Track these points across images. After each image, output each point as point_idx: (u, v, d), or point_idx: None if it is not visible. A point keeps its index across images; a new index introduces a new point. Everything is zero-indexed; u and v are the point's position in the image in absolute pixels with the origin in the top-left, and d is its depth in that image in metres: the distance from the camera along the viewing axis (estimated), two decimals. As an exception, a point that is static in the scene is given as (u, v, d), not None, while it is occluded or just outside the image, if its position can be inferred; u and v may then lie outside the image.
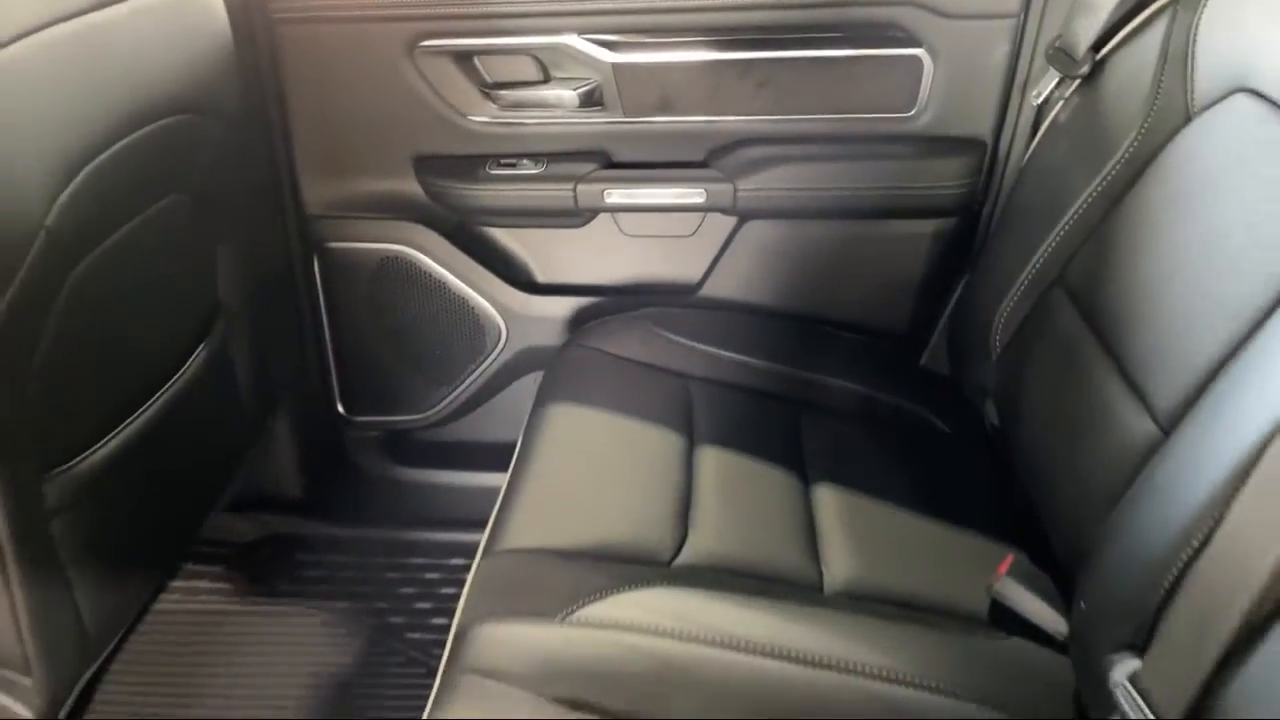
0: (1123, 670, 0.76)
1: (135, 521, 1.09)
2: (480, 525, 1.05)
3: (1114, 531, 0.85)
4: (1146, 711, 0.73)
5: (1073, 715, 0.83)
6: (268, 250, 1.41)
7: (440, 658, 0.88)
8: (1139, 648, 0.77)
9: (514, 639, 0.84)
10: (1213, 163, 0.96)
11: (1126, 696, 0.74)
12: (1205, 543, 0.72)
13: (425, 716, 0.80)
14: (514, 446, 1.18)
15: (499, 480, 1.15)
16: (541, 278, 1.53)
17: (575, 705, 0.80)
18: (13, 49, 0.81)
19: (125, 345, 1.04)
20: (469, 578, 0.96)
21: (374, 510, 1.63)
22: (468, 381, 1.57)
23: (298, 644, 1.45)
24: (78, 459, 0.96)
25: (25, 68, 0.82)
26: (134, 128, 0.97)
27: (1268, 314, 0.80)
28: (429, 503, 1.63)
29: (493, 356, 1.55)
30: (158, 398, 1.09)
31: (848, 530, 1.07)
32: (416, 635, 1.46)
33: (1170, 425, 0.86)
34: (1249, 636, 0.67)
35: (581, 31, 1.34)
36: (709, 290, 1.49)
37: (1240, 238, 0.87)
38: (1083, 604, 0.87)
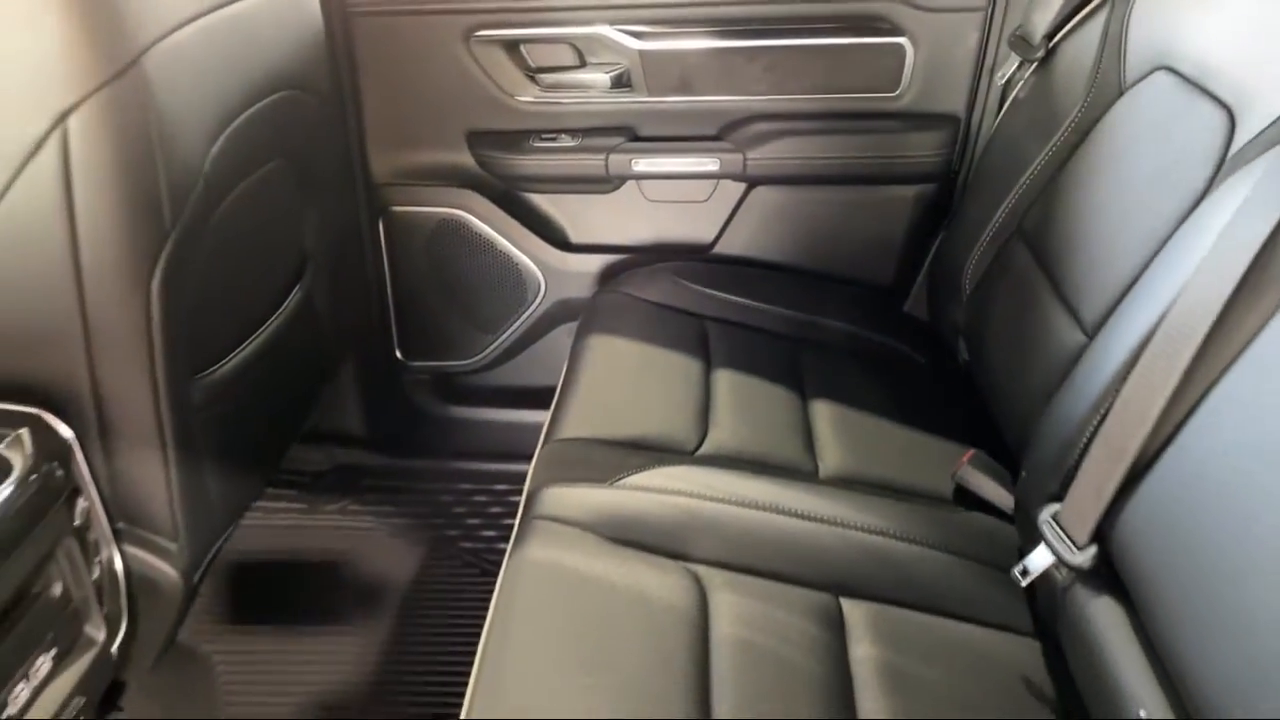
0: (1048, 512, 0.99)
1: (252, 425, 1.32)
2: (520, 457, 1.27)
3: (1047, 416, 1.08)
4: (1063, 537, 0.95)
5: (1015, 560, 1.06)
6: (342, 212, 1.64)
7: (494, 562, 1.10)
8: (1060, 497, 0.99)
9: (573, 497, 1.07)
10: (1137, 128, 1.19)
11: (1050, 529, 0.97)
12: (1107, 412, 0.95)
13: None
14: (551, 389, 1.39)
15: (537, 417, 1.37)
16: (575, 238, 1.75)
17: (622, 543, 1.02)
18: (178, 35, 1.04)
19: (247, 277, 1.26)
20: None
21: (428, 444, 1.86)
22: (511, 330, 1.80)
23: (366, 554, 1.68)
24: (215, 366, 1.19)
25: (187, 50, 1.05)
26: (256, 99, 1.19)
27: (1163, 243, 1.03)
28: (476, 437, 1.85)
29: (533, 307, 1.77)
30: (269, 325, 1.31)
31: (838, 432, 1.30)
32: (469, 545, 1.69)
33: (1093, 333, 1.09)
34: (1135, 476, 0.90)
35: (613, 23, 1.56)
36: (721, 248, 1.72)
37: (1151, 183, 1.09)
38: (1023, 473, 1.10)
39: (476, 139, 1.66)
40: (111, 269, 0.97)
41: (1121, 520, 0.92)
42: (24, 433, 0.94)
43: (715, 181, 1.68)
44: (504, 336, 1.81)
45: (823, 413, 1.34)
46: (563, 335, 1.79)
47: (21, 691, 0.92)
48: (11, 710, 0.90)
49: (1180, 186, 1.04)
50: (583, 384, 1.31)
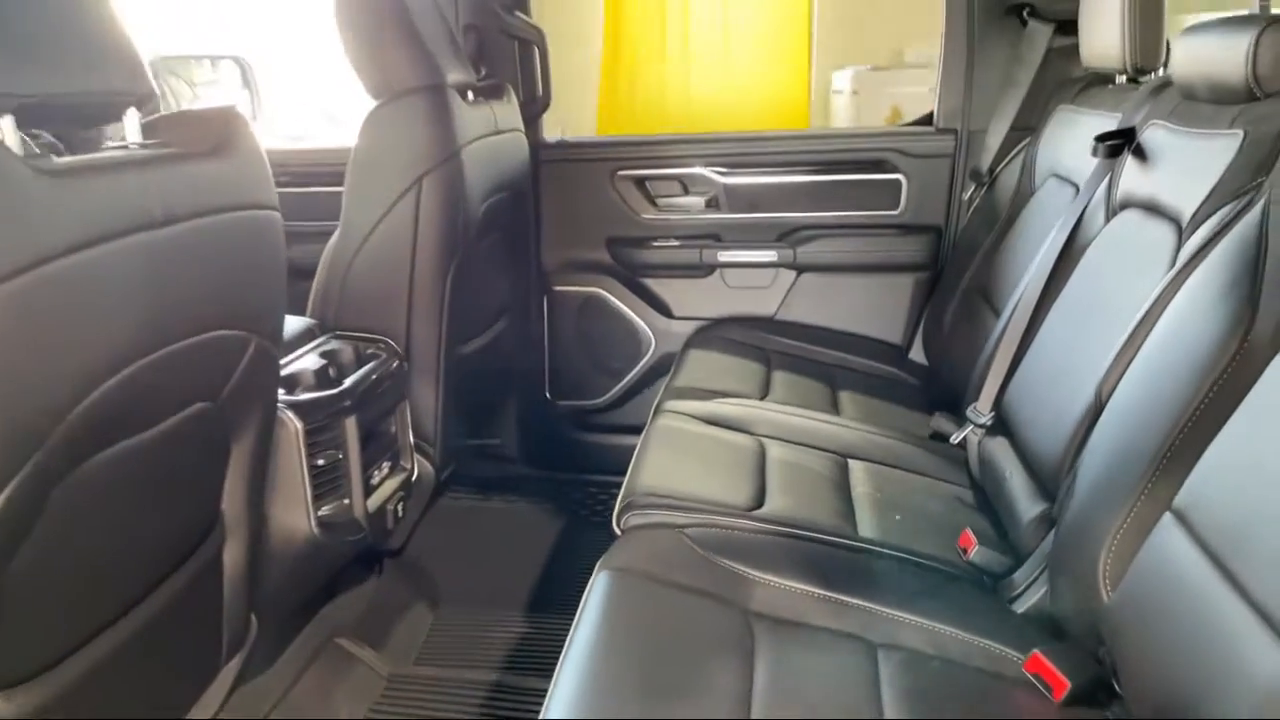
0: (969, 406, 1.65)
1: (476, 392, 2.03)
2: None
3: (975, 368, 1.76)
4: (978, 413, 1.61)
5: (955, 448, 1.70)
6: (522, 287, 2.43)
7: (615, 530, 1.59)
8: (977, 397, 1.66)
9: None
10: (1043, 215, 1.89)
11: (970, 412, 1.64)
12: (997, 347, 1.64)
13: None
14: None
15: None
16: (677, 311, 2.51)
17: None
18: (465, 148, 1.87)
19: (481, 299, 2.03)
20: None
21: (568, 461, 2.55)
22: (629, 377, 2.53)
23: (519, 541, 2.32)
24: (467, 343, 1.93)
25: (468, 157, 1.88)
26: (497, 192, 2.01)
27: (1051, 265, 1.73)
28: (602, 458, 2.53)
29: (645, 360, 2.52)
30: (491, 330, 2.07)
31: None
32: (595, 519, 2.35)
33: (1002, 314, 1.78)
34: (1013, 370, 1.58)
35: (706, 166, 2.40)
36: (779, 317, 2.46)
37: (1051, 240, 1.80)
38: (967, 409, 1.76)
39: (613, 241, 2.48)
40: (427, 269, 1.75)
41: (1007, 394, 1.59)
42: (390, 343, 1.70)
43: (774, 270, 2.45)
44: (624, 382, 2.54)
45: (848, 407, 2.01)
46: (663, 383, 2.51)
47: (375, 475, 1.62)
48: (374, 481, 1.60)
49: (1057, 244, 1.71)
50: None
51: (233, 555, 1.28)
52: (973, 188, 2.27)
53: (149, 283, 0.95)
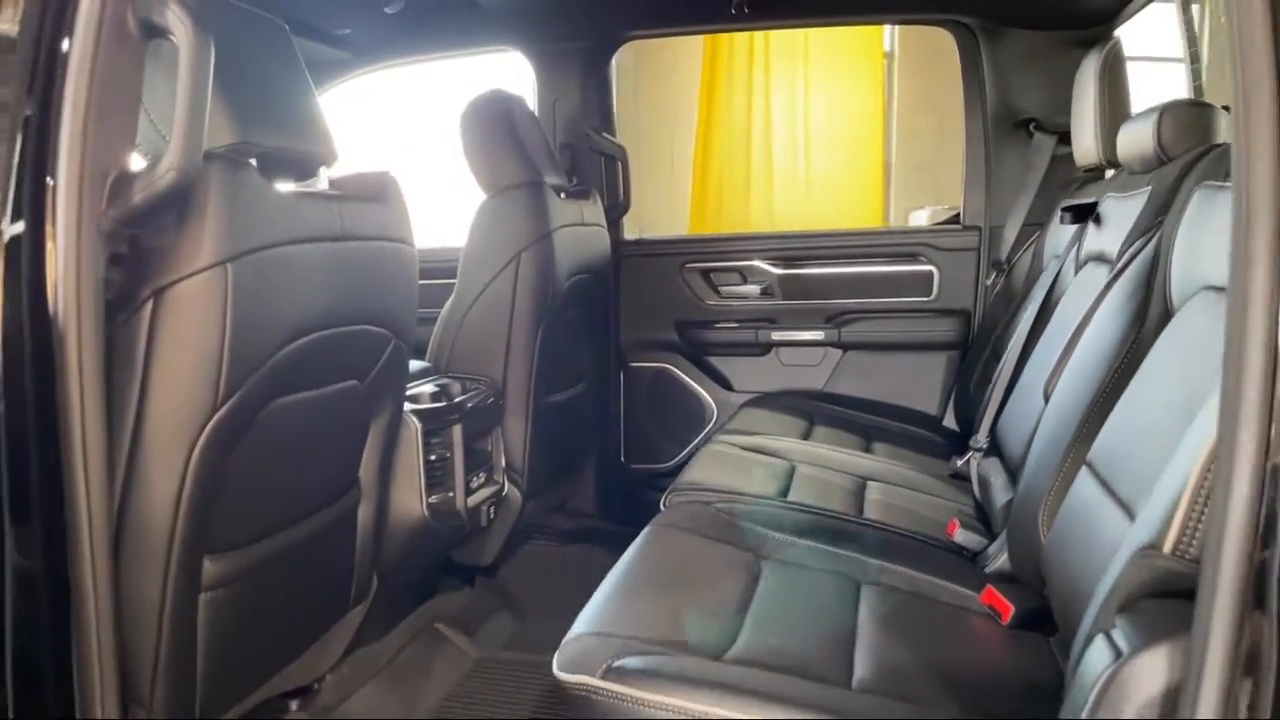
0: (972, 438, 1.95)
1: (558, 445, 2.40)
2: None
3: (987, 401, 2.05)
4: (978, 442, 1.91)
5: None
6: (603, 363, 2.83)
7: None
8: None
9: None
10: (1042, 287, 2.23)
11: (971, 443, 1.93)
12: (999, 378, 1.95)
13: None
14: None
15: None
16: (737, 386, 2.86)
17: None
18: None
19: (566, 364, 2.43)
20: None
21: (640, 518, 2.86)
22: (694, 443, 2.87)
23: (596, 570, 2.64)
24: (551, 396, 2.32)
25: (560, 239, 2.32)
26: (581, 271, 2.43)
27: (1039, 322, 2.05)
28: (667, 514, 2.85)
29: (708, 429, 2.85)
30: (574, 388, 2.46)
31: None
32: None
33: (1005, 361, 2.08)
34: (1004, 404, 1.88)
35: (762, 259, 2.80)
36: (826, 390, 2.79)
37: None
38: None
39: (681, 324, 2.87)
40: (521, 327, 2.17)
41: (1000, 422, 1.88)
42: (489, 380, 2.10)
43: (823, 349, 2.80)
44: (689, 447, 2.87)
45: (879, 451, 2.31)
46: (727, 450, 2.84)
47: (474, 481, 1.99)
48: (473, 485, 1.97)
49: (1038, 298, 2.05)
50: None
51: (364, 516, 1.65)
52: (994, 275, 2.60)
53: (327, 278, 1.37)
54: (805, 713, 1.02)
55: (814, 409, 2.60)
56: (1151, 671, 0.84)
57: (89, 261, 1.04)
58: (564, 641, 1.18)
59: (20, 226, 1.03)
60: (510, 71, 2.93)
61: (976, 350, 2.55)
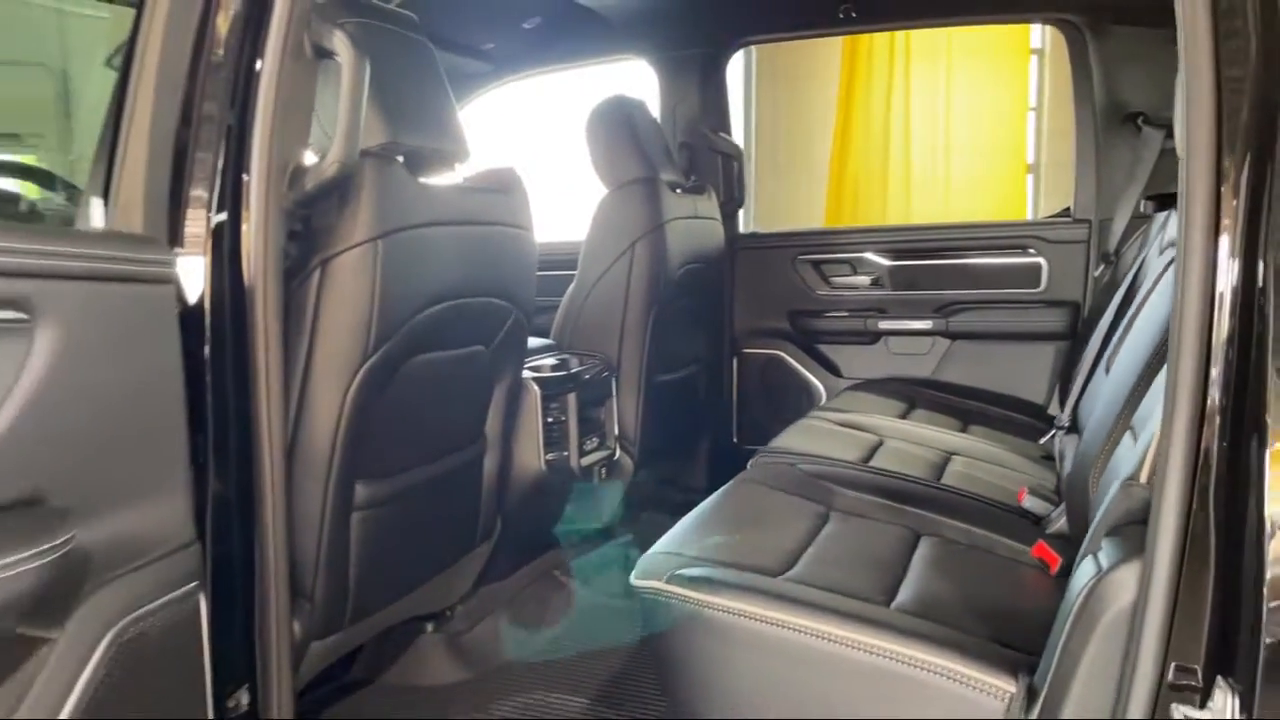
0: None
1: (673, 422, 2.62)
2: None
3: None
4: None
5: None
6: (718, 349, 3.02)
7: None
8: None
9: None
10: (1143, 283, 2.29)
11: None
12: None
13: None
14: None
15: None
16: (845, 373, 2.99)
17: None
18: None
19: (680, 343, 2.63)
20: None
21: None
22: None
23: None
24: (667, 374, 2.53)
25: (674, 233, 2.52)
26: (692, 261, 2.64)
27: (1131, 320, 2.11)
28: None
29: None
30: (688, 368, 2.66)
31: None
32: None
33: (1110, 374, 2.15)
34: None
35: (873, 251, 2.92)
36: (933, 378, 2.88)
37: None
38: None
39: (793, 313, 3.02)
40: (635, 310, 2.39)
41: (1081, 402, 1.96)
42: (604, 357, 2.34)
43: (931, 339, 2.89)
44: (799, 430, 3.03)
45: (975, 432, 2.42)
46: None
47: (587, 444, 2.22)
48: (586, 448, 2.20)
49: (1127, 284, 2.12)
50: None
51: (489, 466, 1.91)
52: (1102, 266, 2.64)
53: (458, 256, 1.62)
54: (841, 621, 1.19)
55: (917, 394, 2.71)
56: (1124, 584, 0.98)
57: (273, 237, 1.31)
58: (640, 559, 1.39)
59: (224, 215, 1.32)
60: (635, 79, 3.17)
61: (1083, 340, 2.60)
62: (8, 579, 0.78)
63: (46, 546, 0.82)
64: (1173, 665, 0.92)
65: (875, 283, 2.95)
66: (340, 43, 1.32)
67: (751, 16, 2.86)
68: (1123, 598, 0.98)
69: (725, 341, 3.09)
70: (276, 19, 1.25)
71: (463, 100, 3.12)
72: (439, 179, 1.65)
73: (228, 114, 1.27)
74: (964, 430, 2.43)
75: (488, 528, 1.95)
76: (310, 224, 1.41)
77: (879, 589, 1.34)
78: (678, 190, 2.62)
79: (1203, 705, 0.89)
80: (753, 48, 5.08)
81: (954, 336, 2.86)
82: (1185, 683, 0.90)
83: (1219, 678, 0.88)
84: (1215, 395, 0.89)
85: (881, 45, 5.23)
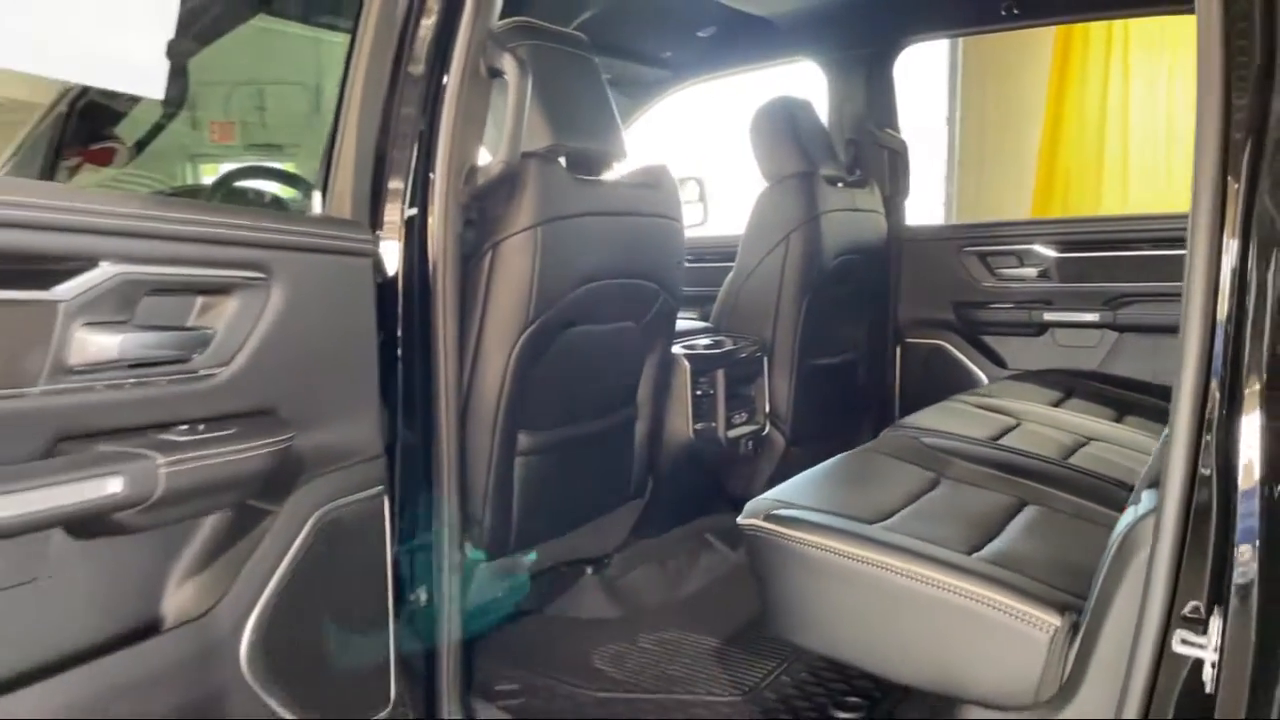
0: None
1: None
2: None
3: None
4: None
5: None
6: (880, 337, 3.13)
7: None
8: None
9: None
10: None
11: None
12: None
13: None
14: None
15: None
16: (1010, 364, 3.02)
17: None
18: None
19: (832, 328, 2.77)
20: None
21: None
22: (964, 415, 3.07)
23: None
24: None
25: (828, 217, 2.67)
26: (850, 252, 2.77)
27: None
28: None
29: (979, 402, 3.04)
30: (847, 354, 2.80)
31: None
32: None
33: None
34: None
35: (1040, 243, 2.94)
36: (1099, 371, 2.86)
37: None
38: None
39: (957, 304, 3.08)
40: (789, 297, 2.56)
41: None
42: (757, 340, 2.53)
43: (1100, 331, 2.87)
44: (960, 419, 3.08)
45: (1106, 435, 2.41)
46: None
47: (736, 419, 2.42)
48: (735, 421, 2.41)
49: None
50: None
51: (640, 430, 2.16)
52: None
53: (610, 242, 1.88)
54: (911, 559, 1.34)
55: (1077, 384, 2.71)
56: (1151, 531, 1.09)
57: (453, 226, 1.61)
58: (748, 502, 1.58)
59: (415, 210, 1.64)
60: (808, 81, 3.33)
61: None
62: (249, 459, 1.10)
63: (274, 440, 1.14)
64: (1185, 603, 1.02)
65: (1042, 274, 2.96)
66: (508, 64, 1.60)
67: (915, 17, 2.95)
68: (1150, 541, 1.08)
69: (889, 331, 3.19)
70: (459, 44, 1.54)
71: (644, 105, 3.40)
72: (597, 176, 1.91)
73: (420, 123, 1.58)
74: (1118, 420, 2.43)
75: (639, 485, 2.19)
76: (484, 214, 1.70)
77: (965, 541, 1.46)
78: (838, 184, 2.77)
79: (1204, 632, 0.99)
80: (959, 41, 5.10)
81: (1122, 329, 2.83)
82: (1191, 616, 1.01)
83: (1215, 607, 0.97)
84: (1217, 369, 1.00)
85: (1098, 35, 5.09)
